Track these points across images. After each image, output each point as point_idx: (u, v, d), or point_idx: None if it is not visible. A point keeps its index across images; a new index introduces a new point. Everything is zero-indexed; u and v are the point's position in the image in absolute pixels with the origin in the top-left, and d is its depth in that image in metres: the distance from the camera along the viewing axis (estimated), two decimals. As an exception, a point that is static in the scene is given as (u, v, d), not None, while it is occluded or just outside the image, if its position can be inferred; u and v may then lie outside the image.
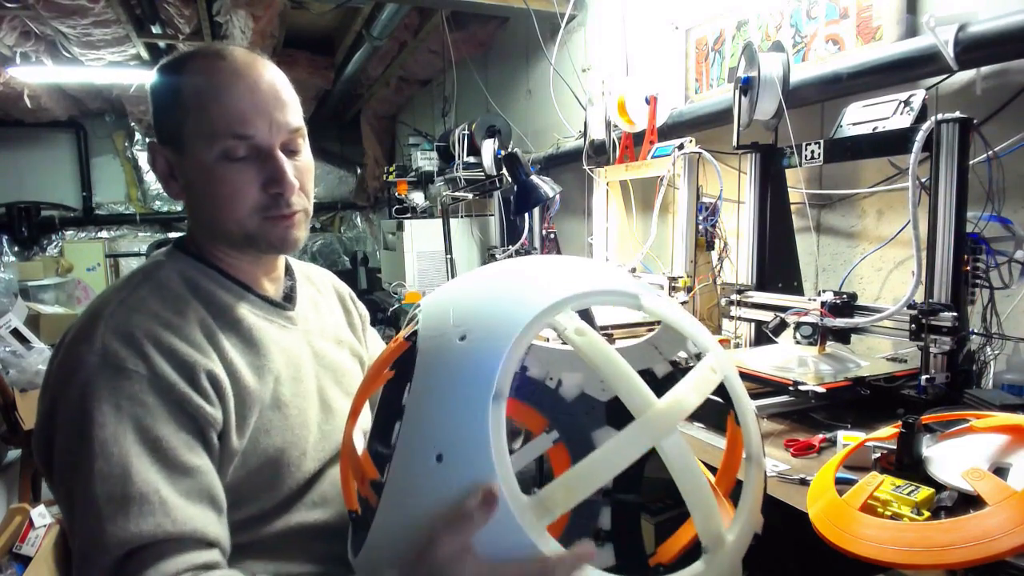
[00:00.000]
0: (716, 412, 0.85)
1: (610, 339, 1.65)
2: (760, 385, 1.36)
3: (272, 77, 0.85)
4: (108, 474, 0.68)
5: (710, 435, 1.24)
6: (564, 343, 0.65)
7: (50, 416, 0.75)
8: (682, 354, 0.90)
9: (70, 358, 0.75)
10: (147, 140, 0.85)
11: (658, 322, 0.89)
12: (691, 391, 0.63)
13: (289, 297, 0.97)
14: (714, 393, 0.67)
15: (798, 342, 1.47)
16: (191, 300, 0.83)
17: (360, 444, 0.67)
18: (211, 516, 0.72)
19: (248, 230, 0.85)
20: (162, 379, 0.74)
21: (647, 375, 0.90)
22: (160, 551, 0.67)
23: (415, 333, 0.65)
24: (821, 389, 1.23)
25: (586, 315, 0.95)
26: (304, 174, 0.88)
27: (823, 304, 1.43)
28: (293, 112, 0.86)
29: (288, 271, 1.00)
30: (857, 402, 1.29)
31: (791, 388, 1.26)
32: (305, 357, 0.93)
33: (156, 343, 0.75)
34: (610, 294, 0.70)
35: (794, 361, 1.44)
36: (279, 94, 0.85)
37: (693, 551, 0.64)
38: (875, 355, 1.60)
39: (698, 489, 0.60)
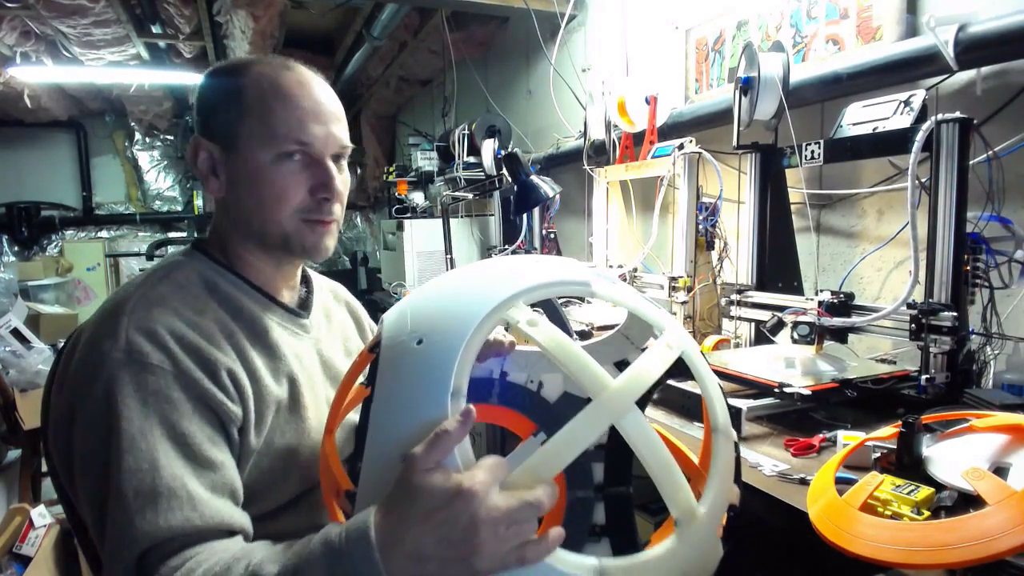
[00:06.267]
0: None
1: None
2: (747, 387, 1.35)
3: (331, 94, 0.89)
4: (136, 469, 0.68)
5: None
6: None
7: (70, 414, 0.75)
8: (653, 340, 0.90)
9: (92, 354, 0.75)
10: (191, 135, 0.88)
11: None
12: (646, 369, 0.64)
13: (304, 304, 0.98)
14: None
15: (795, 341, 1.47)
16: (209, 301, 0.84)
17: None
18: (234, 508, 0.73)
19: (287, 231, 0.87)
20: (186, 375, 0.74)
21: (623, 365, 0.91)
22: (185, 542, 0.67)
23: (379, 344, 0.67)
24: (806, 391, 1.22)
25: (555, 315, 0.95)
26: (344, 188, 0.92)
27: (820, 304, 1.44)
28: (344, 129, 0.90)
29: (305, 280, 1.01)
30: (857, 402, 1.28)
31: (776, 390, 1.26)
32: (316, 365, 0.94)
33: (179, 340, 0.76)
34: (561, 284, 0.71)
35: (783, 361, 1.43)
36: (336, 110, 0.89)
37: None
38: (870, 356, 1.60)
39: (662, 464, 0.61)
